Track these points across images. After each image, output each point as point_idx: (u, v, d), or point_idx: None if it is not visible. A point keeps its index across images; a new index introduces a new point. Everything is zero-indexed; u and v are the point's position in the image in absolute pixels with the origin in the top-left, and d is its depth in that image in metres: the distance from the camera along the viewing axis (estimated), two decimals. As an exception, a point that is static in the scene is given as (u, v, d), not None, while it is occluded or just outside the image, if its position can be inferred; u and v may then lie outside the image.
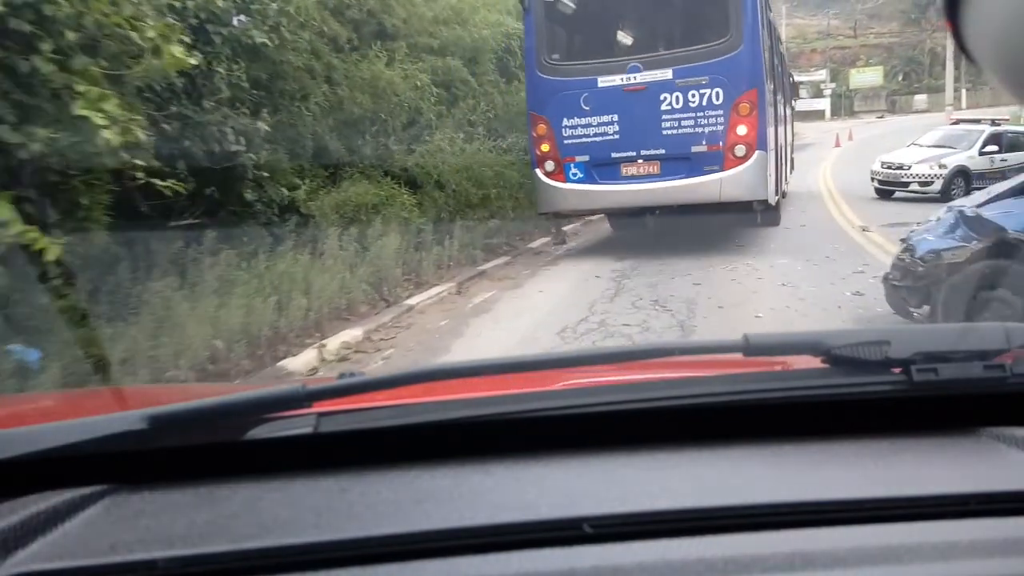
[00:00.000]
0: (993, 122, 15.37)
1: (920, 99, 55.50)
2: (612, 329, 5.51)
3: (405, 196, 7.89)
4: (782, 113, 11.33)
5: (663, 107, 7.87)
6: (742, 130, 7.78)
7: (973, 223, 4.65)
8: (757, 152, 7.88)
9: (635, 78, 7.97)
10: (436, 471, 0.88)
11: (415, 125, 9.82)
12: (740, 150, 7.82)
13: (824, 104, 49.98)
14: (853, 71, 57.39)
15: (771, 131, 8.80)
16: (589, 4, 8.77)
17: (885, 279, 5.14)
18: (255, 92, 6.65)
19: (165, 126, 5.33)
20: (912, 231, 5.37)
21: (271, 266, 5.67)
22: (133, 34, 4.00)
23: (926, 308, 4.72)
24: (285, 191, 7.12)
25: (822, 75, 52.21)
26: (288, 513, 0.80)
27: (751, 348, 0.92)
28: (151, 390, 2.80)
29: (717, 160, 7.85)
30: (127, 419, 0.82)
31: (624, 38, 9.49)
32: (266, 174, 7.24)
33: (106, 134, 3.61)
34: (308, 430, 0.87)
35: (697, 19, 8.51)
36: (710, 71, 7.76)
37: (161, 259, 5.08)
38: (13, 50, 3.67)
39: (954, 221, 4.81)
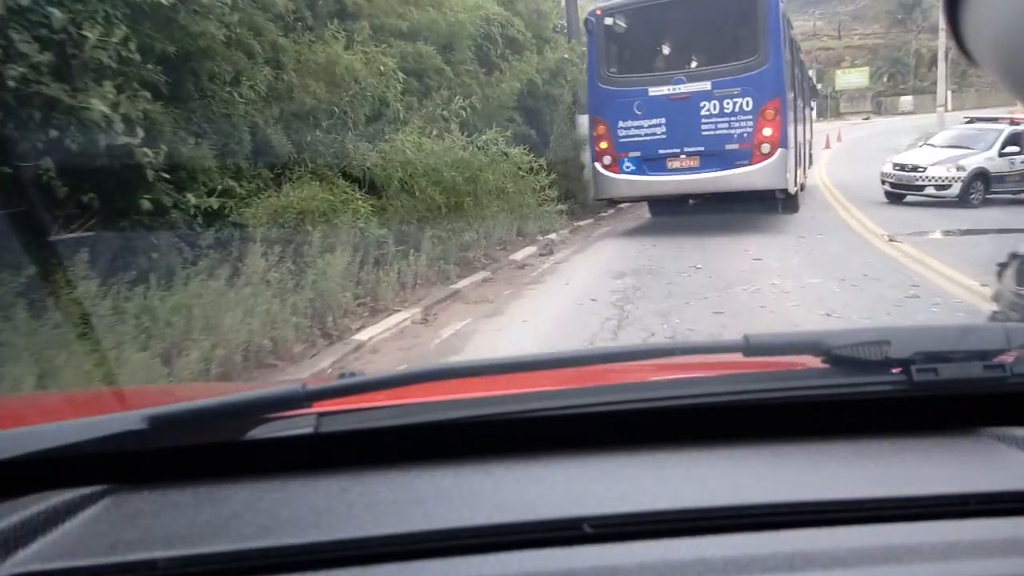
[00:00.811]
0: (1012, 121, 14.23)
1: (906, 101, 55.11)
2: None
3: (360, 201, 6.51)
4: (802, 115, 12.99)
5: (702, 112, 9.44)
6: (767, 132, 9.31)
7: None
8: (780, 150, 9.38)
9: (680, 88, 9.57)
10: (436, 471, 0.88)
11: (380, 119, 8.45)
12: (766, 148, 9.33)
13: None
14: (839, 72, 56.74)
15: (792, 132, 10.15)
16: (641, 27, 10.53)
17: (994, 319, 3.85)
18: (159, 69, 5.24)
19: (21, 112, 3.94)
20: (1015, 253, 4.07)
21: (168, 296, 4.28)
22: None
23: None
24: (208, 196, 5.73)
25: (812, 75, 51.54)
26: (288, 513, 0.80)
27: (751, 348, 0.92)
28: (151, 390, 2.72)
29: (746, 156, 9.33)
30: (127, 419, 0.82)
31: (670, 55, 11.09)
32: (184, 174, 5.87)
33: None
34: (308, 430, 0.87)
35: (731, 41, 10.11)
36: (741, 83, 9.34)
37: (6, 291, 3.68)
38: None
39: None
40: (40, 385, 3.18)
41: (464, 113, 8.65)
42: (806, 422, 0.96)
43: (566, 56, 13.35)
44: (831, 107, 51.91)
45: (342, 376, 0.92)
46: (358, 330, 5.42)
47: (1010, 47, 0.56)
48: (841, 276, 6.73)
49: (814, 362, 0.96)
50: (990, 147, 13.41)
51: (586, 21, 10.41)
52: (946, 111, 29.53)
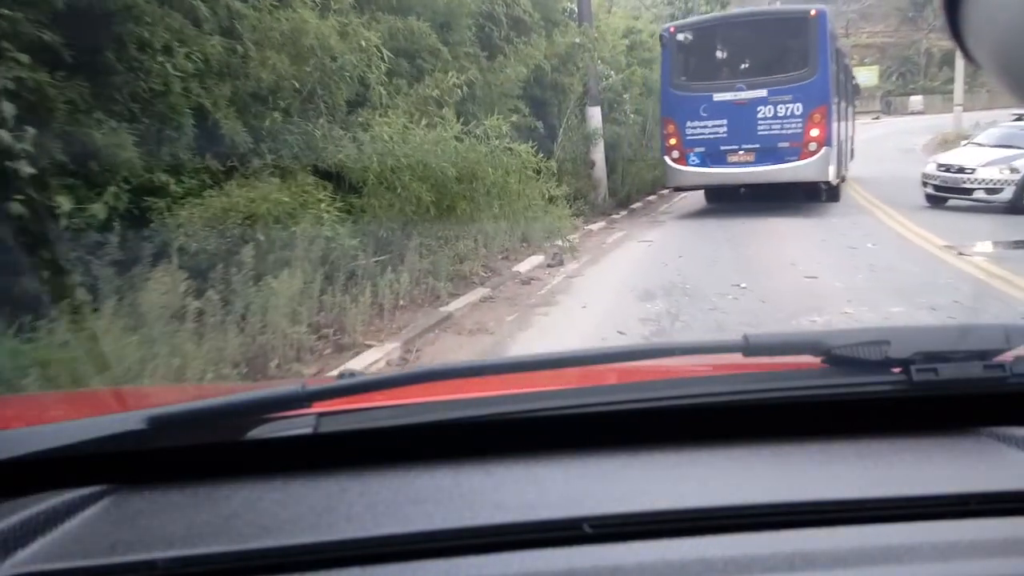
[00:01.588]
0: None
1: (916, 100, 53.96)
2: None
3: (326, 203, 5.15)
4: (845, 115, 14.33)
5: (759, 116, 10.82)
6: (815, 132, 10.68)
7: None
8: (824, 148, 10.75)
9: (740, 95, 10.92)
10: (436, 471, 0.88)
11: (363, 105, 7.09)
12: (813, 146, 10.70)
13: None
14: (848, 70, 55.37)
15: (835, 132, 11.46)
16: (708, 42, 12.19)
17: None
18: (59, 32, 3.90)
19: None
20: None
21: (20, 348, 2.91)
22: None
23: None
24: (124, 196, 4.38)
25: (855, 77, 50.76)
26: (288, 513, 0.80)
27: (751, 348, 0.92)
28: (151, 390, 2.57)
29: (796, 153, 10.73)
30: (127, 419, 0.82)
31: (732, 66, 12.48)
32: (97, 168, 4.52)
33: None
34: (308, 430, 0.87)
35: (785, 55, 11.35)
36: (793, 91, 10.71)
37: None
38: None
39: None
40: None
41: (461, 92, 7.27)
42: (806, 422, 0.96)
43: (577, 41, 11.99)
44: (841, 106, 50.71)
45: (341, 376, 0.93)
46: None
47: (1010, 48, 0.56)
48: (927, 303, 5.39)
49: (814, 362, 0.95)
50: (1045, 147, 12.09)
51: (661, 36, 12.03)
52: (964, 111, 28.63)
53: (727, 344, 0.97)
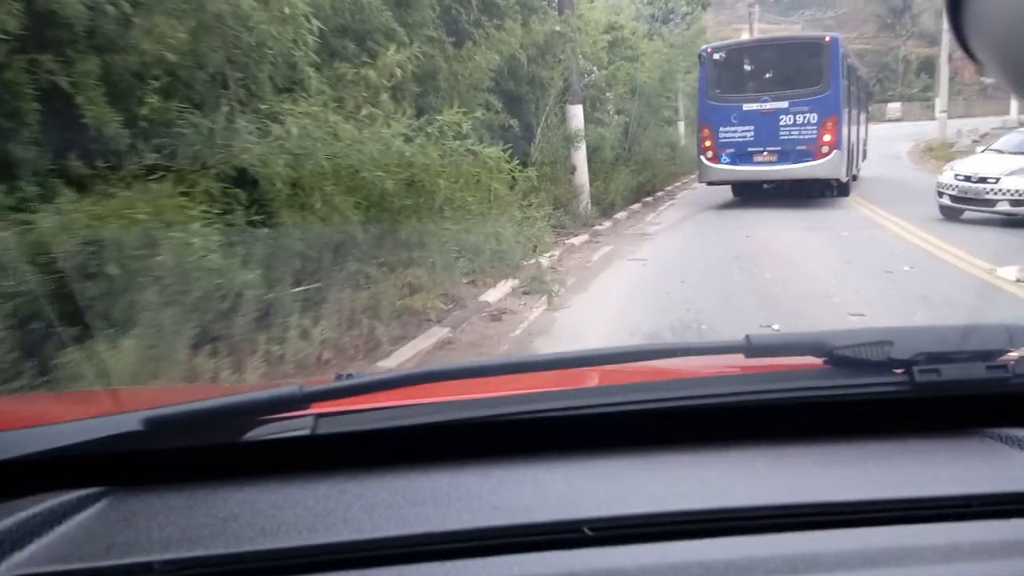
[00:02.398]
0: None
1: (894, 107, 53.46)
2: None
3: (201, 223, 3.65)
4: (857, 121, 15.94)
5: (781, 123, 12.71)
6: (827, 138, 12.49)
7: None
8: (836, 151, 12.56)
9: (765, 106, 12.79)
10: (434, 473, 0.87)
11: (293, 93, 5.61)
12: (825, 149, 12.51)
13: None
14: (827, 77, 54.88)
15: (845, 137, 13.13)
16: (739, 61, 14.03)
17: None
18: None
19: None
20: None
21: None
22: None
23: None
24: None
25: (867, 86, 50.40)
26: (285, 515, 0.79)
27: (753, 349, 0.91)
28: (150, 391, 2.54)
29: (811, 155, 12.55)
30: (125, 420, 0.81)
31: (759, 81, 14.03)
32: None
33: None
34: (305, 432, 0.86)
35: (803, 73, 13.01)
36: (809, 104, 12.61)
37: None
38: None
39: None
40: None
41: (411, 74, 5.83)
42: (808, 423, 0.95)
43: (558, 29, 10.61)
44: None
45: (339, 377, 0.91)
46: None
47: (1012, 46, 0.56)
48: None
49: (816, 363, 0.94)
50: (1072, 154, 10.95)
51: (699, 55, 13.86)
52: (949, 117, 28.05)
53: (729, 345, 0.96)
